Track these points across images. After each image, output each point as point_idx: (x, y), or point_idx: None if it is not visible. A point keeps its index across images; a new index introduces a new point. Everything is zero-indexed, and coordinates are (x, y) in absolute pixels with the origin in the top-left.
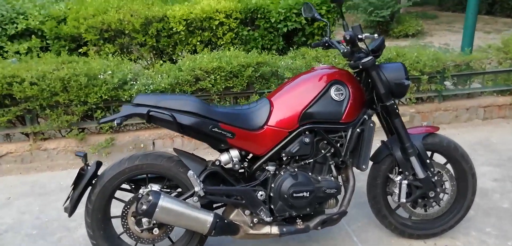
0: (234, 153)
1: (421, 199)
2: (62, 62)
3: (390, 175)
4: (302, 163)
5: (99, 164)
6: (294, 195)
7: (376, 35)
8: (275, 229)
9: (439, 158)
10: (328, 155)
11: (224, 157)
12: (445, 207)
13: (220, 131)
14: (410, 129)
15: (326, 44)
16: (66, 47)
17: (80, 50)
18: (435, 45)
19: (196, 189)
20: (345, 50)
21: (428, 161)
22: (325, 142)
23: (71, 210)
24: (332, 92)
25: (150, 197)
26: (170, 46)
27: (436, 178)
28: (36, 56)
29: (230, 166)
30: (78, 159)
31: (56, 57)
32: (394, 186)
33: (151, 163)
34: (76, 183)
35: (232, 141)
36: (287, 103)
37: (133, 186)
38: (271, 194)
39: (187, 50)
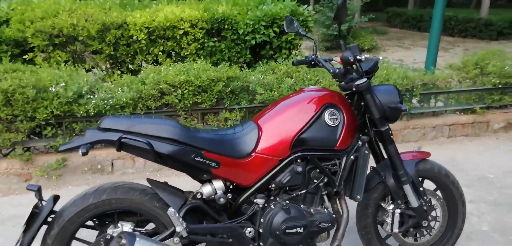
0: (218, 184)
1: (413, 228)
2: (4, 71)
3: (382, 204)
4: (293, 194)
5: (56, 199)
6: (287, 231)
7: (381, 57)
8: None
9: (427, 184)
10: (320, 184)
11: (206, 189)
12: (436, 235)
13: (203, 160)
14: (402, 155)
15: (312, 62)
16: (8, 52)
17: (25, 56)
18: (390, 60)
19: (178, 229)
20: (337, 70)
21: (421, 189)
22: (318, 170)
23: None
24: (326, 116)
25: (123, 241)
26: (129, 55)
27: (428, 206)
28: None
29: (212, 198)
30: (24, 183)
31: None
32: (386, 215)
33: (122, 197)
34: (28, 224)
35: (216, 170)
36: (278, 129)
37: (97, 222)
38: (260, 230)
39: (147, 61)
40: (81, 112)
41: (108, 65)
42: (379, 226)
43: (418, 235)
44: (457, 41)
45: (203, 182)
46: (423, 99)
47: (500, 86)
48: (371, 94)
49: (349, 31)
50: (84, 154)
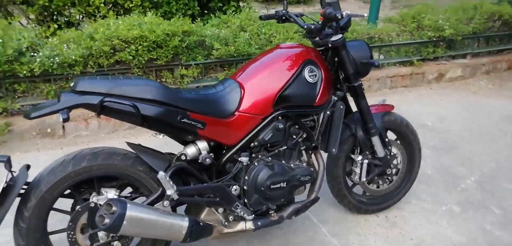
0: (202, 145)
1: (378, 176)
2: None
3: (351, 155)
4: (275, 150)
5: (27, 168)
6: (272, 186)
7: (365, 14)
8: (250, 224)
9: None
10: (300, 140)
11: (190, 150)
12: (396, 181)
13: (190, 121)
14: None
15: (283, 17)
16: None
17: None
18: None
19: (169, 191)
20: (313, 26)
21: (386, 139)
22: (297, 127)
23: None
24: (306, 73)
25: (114, 207)
26: (66, 6)
27: (391, 155)
28: None
29: (195, 158)
30: None
31: None
32: (354, 166)
33: (103, 163)
34: (1, 197)
35: (202, 131)
36: (260, 86)
37: (71, 191)
38: (245, 187)
39: (87, 13)
40: (25, 72)
41: (41, 18)
42: (346, 176)
43: (380, 182)
44: None
45: (186, 143)
46: None
47: (434, 39)
48: (346, 50)
49: None
50: (65, 120)
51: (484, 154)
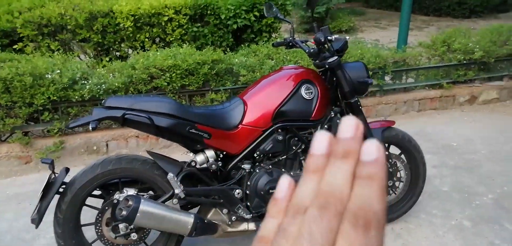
0: (210, 153)
1: None
2: (0, 60)
3: None
4: (275, 160)
5: (67, 171)
6: (270, 191)
7: (348, 37)
8: (252, 225)
9: (393, 149)
10: (299, 151)
11: (199, 158)
12: (400, 194)
13: (197, 132)
14: (370, 123)
15: (290, 43)
16: None
17: (15, 46)
18: (367, 41)
19: (177, 191)
20: (312, 50)
21: (387, 153)
22: (296, 138)
23: (38, 221)
24: (303, 91)
25: (130, 202)
26: (116, 42)
27: (393, 168)
28: None
29: (205, 166)
30: (24, 165)
31: None
32: None
33: (125, 167)
34: (45, 192)
35: (208, 141)
36: (261, 103)
37: (101, 192)
38: (247, 192)
39: (134, 47)
40: (76, 97)
41: (96, 53)
42: None
43: None
44: (432, 20)
45: (196, 152)
46: (395, 76)
47: (464, 62)
48: (342, 70)
49: (327, 13)
50: (93, 129)
51: (509, 175)
